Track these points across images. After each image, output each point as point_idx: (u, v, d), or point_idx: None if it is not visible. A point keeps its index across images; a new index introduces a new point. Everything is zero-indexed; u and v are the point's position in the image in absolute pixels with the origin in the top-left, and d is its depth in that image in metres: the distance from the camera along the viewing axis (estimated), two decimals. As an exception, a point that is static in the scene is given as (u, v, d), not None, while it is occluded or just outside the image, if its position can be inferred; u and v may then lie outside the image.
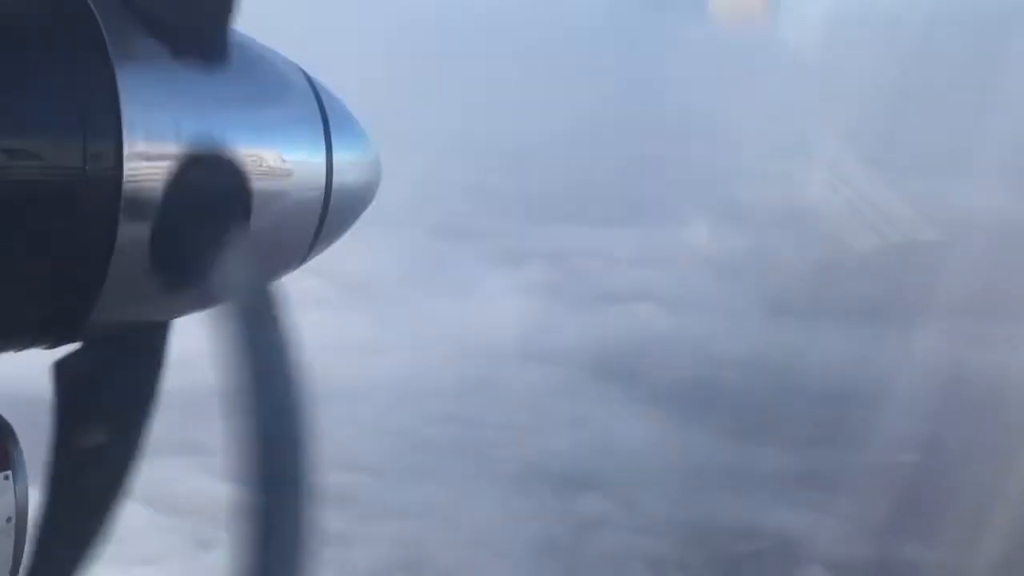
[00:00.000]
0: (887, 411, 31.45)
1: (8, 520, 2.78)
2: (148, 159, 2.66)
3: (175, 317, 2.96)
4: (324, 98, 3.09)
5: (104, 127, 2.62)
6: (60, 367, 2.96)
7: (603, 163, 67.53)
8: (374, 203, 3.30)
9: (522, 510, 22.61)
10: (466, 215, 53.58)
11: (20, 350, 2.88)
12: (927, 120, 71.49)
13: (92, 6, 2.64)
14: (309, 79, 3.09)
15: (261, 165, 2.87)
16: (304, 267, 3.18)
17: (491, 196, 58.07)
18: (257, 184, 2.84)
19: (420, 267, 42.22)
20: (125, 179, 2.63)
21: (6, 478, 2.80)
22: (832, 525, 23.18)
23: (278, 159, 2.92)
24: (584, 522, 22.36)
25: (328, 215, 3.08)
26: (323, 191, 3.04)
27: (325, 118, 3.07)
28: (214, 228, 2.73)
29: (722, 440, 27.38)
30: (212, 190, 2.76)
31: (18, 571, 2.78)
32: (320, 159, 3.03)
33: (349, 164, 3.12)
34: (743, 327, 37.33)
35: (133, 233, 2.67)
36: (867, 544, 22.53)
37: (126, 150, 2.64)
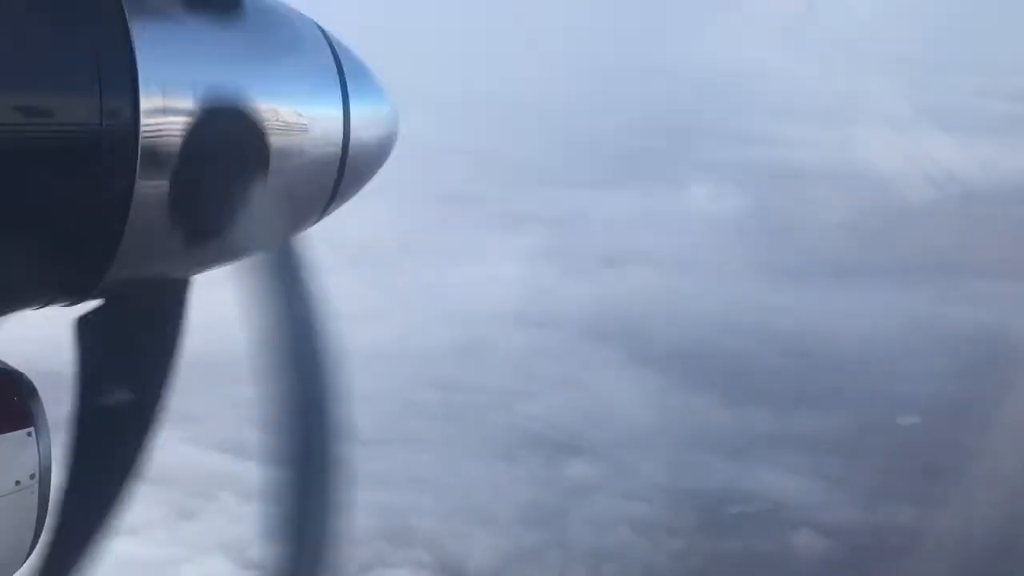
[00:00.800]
0: (886, 373, 31.34)
1: (32, 476, 2.77)
2: (164, 114, 2.64)
3: (193, 273, 2.94)
4: (340, 53, 3.08)
5: (120, 83, 2.60)
6: (82, 324, 2.94)
7: (607, 125, 67.39)
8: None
9: (509, 476, 22.54)
10: (469, 180, 53.46)
11: (40, 307, 2.85)
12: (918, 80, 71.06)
13: None
14: (325, 34, 3.08)
15: (278, 120, 2.85)
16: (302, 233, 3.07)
17: (494, 161, 57.97)
18: (274, 139, 2.84)
19: (421, 233, 42.12)
20: (142, 135, 2.61)
21: (29, 435, 2.78)
22: (823, 488, 23.08)
23: (295, 114, 2.91)
24: (572, 487, 22.28)
25: (346, 169, 3.09)
26: (341, 145, 3.05)
27: (341, 72, 3.06)
28: (231, 183, 2.72)
29: (716, 403, 27.27)
30: (229, 146, 2.75)
31: (43, 526, 2.79)
32: (337, 113, 3.04)
33: (366, 118, 3.13)
34: (742, 289, 37.20)
35: (150, 189, 2.64)
36: (857, 507, 22.43)
37: (143, 106, 2.62)
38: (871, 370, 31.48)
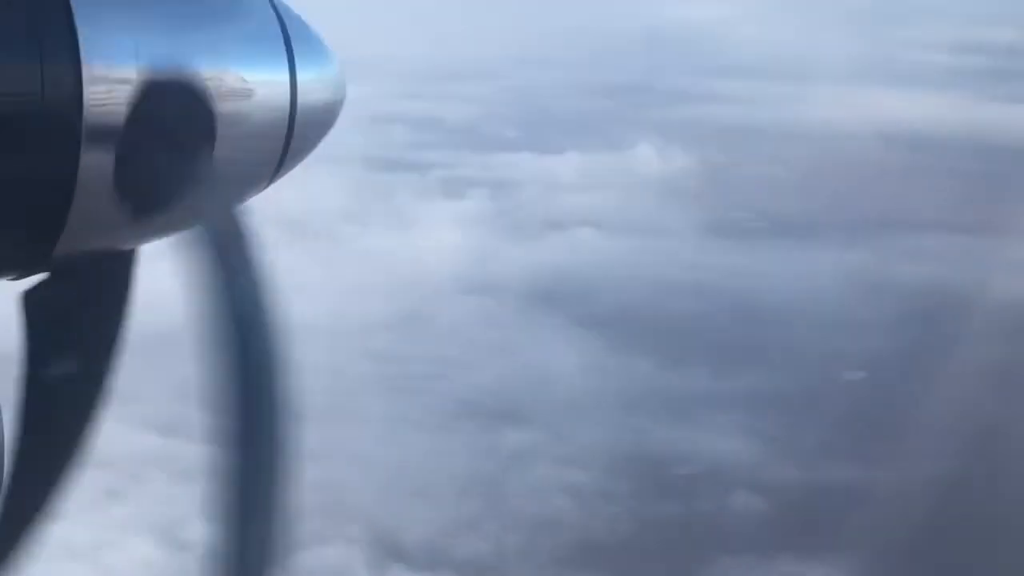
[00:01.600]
0: (831, 329, 31.29)
1: None
2: (108, 83, 2.60)
3: (142, 243, 2.91)
4: (285, 15, 3.03)
5: (61, 51, 2.55)
6: (28, 297, 2.90)
7: (552, 88, 67.06)
8: None
9: (446, 447, 22.31)
10: (411, 147, 53.08)
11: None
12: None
13: None
14: None
15: (223, 86, 2.81)
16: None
17: (437, 127, 57.60)
18: (220, 105, 2.79)
19: (360, 202, 41.69)
20: (86, 103, 2.56)
21: None
22: (762, 448, 22.97)
23: (240, 79, 2.86)
24: (509, 456, 22.08)
25: (294, 135, 3.02)
26: (287, 110, 2.99)
27: (287, 36, 3.00)
28: (178, 151, 2.69)
29: (657, 365, 27.08)
30: (174, 113, 2.72)
31: None
32: (283, 78, 2.98)
33: (313, 82, 3.07)
34: (685, 249, 37.06)
35: (96, 158, 2.60)
36: (796, 466, 22.33)
37: (85, 74, 2.56)
38: (815, 327, 31.42)
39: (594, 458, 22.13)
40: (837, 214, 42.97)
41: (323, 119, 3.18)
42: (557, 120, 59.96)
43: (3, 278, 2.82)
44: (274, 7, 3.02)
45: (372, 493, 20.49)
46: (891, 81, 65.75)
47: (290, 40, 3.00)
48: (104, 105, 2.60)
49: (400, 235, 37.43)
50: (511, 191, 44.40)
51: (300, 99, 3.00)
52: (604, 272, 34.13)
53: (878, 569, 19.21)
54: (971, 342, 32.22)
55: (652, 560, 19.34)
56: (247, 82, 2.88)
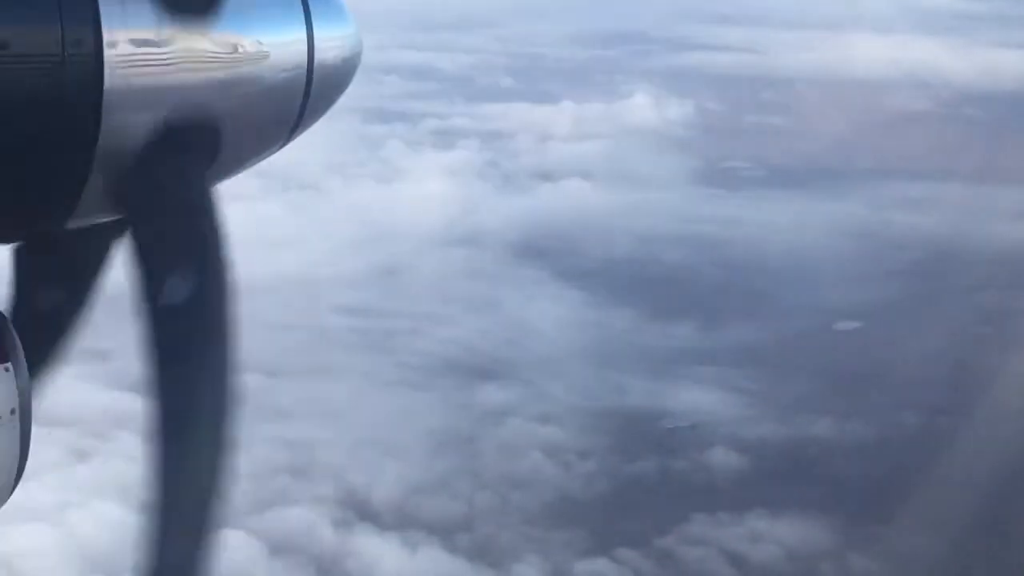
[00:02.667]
0: (820, 281, 30.82)
1: (12, 412, 2.80)
2: (128, 44, 2.65)
3: (160, 203, 2.88)
4: None
5: (82, 12, 2.60)
6: (19, 250, 3.04)
7: (549, 37, 66.35)
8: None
9: (421, 404, 21.92)
10: (402, 97, 52.45)
11: (12, 242, 2.93)
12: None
13: None
14: None
15: (241, 45, 2.87)
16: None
17: (430, 76, 57.00)
18: (239, 65, 2.86)
19: (349, 153, 41.14)
20: (106, 64, 2.62)
21: (7, 370, 2.79)
22: (744, 403, 22.55)
23: (255, 42, 2.91)
24: (485, 413, 21.67)
25: (311, 92, 3.08)
26: (305, 69, 3.05)
27: None
28: (198, 109, 2.75)
29: (640, 319, 26.63)
30: (194, 72, 2.77)
31: (26, 460, 2.82)
32: (301, 36, 3.04)
33: (330, 40, 3.13)
34: (677, 200, 36.51)
35: (117, 119, 2.66)
36: (776, 422, 21.91)
37: (105, 36, 2.61)
38: (807, 278, 30.95)
39: (571, 415, 21.75)
40: (835, 163, 42.40)
41: (340, 77, 3.22)
42: (553, 70, 59.36)
43: (26, 232, 2.89)
44: None
45: (343, 452, 20.14)
46: (895, 27, 64.92)
47: (307, 0, 3.05)
48: (124, 66, 2.63)
49: (386, 187, 36.97)
50: (503, 142, 43.88)
51: (317, 57, 3.04)
52: (592, 224, 33.67)
53: (854, 526, 18.85)
54: (965, 292, 31.83)
55: (625, 519, 18.98)
56: (264, 44, 2.92)
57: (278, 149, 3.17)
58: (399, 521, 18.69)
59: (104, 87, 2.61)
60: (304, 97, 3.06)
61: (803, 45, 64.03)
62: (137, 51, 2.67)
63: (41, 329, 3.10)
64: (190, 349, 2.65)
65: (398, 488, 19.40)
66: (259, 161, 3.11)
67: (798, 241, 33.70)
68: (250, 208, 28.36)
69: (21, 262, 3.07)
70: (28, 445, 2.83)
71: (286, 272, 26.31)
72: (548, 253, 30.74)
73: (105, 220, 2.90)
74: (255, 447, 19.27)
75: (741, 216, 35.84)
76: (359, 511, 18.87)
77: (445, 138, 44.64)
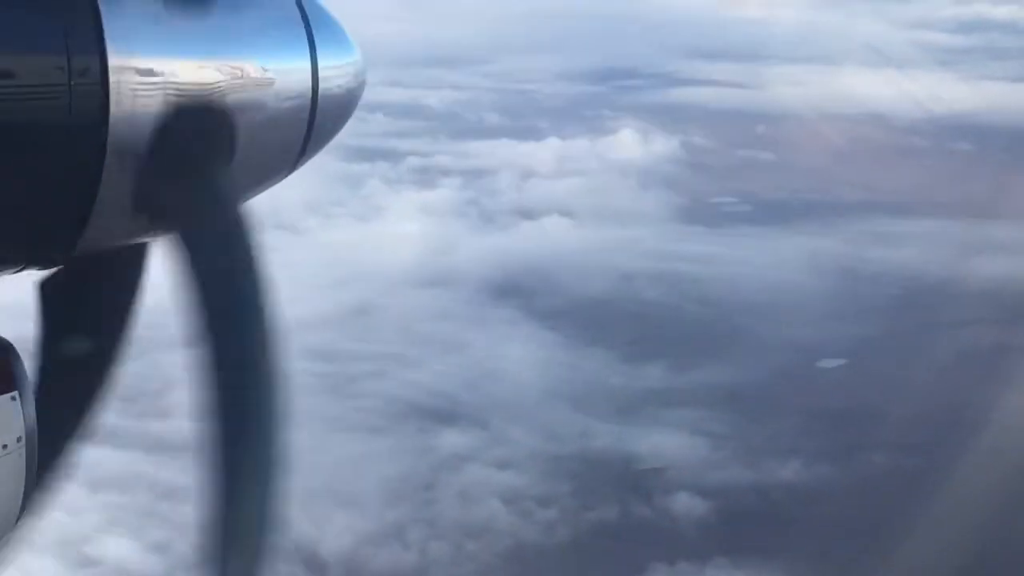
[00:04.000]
0: (799, 319, 30.29)
1: (19, 440, 2.81)
2: (133, 72, 2.65)
3: (164, 233, 2.88)
4: (306, 4, 3.07)
5: (87, 41, 2.59)
6: (44, 286, 2.99)
7: (538, 73, 66.12)
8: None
9: (378, 450, 21.33)
10: (388, 135, 52.09)
11: (16, 271, 2.88)
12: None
13: None
14: None
15: (245, 75, 2.87)
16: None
17: (417, 114, 56.70)
18: (243, 94, 2.85)
19: (328, 192, 40.70)
20: (112, 93, 2.61)
21: (13, 399, 2.81)
22: (711, 447, 21.94)
23: (260, 69, 2.92)
24: (443, 459, 21.09)
25: (316, 121, 3.09)
26: (309, 98, 3.05)
27: (307, 24, 3.06)
28: (203, 140, 2.74)
29: (613, 360, 26.04)
30: (198, 102, 2.75)
31: (33, 487, 2.81)
32: (305, 65, 3.04)
33: (334, 69, 3.13)
34: (657, 238, 36.05)
35: (122, 148, 2.64)
36: (743, 467, 21.30)
37: (111, 64, 2.61)
38: (787, 316, 30.42)
39: (532, 460, 21.17)
40: (821, 198, 41.98)
41: (344, 106, 3.23)
42: (541, 106, 59.00)
43: (33, 268, 2.87)
44: None
45: (295, 500, 19.53)
46: (886, 61, 64.63)
47: (311, 28, 3.04)
48: (130, 95, 2.61)
49: (364, 226, 36.53)
50: (485, 179, 43.48)
51: (321, 87, 3.04)
52: (570, 262, 33.16)
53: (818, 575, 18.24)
54: (947, 328, 31.30)
55: (583, 568, 18.39)
56: (268, 71, 2.92)
57: (283, 178, 3.17)
58: (348, 573, 18.12)
59: (110, 116, 2.59)
60: (309, 125, 3.06)
61: (794, 79, 63.77)
62: (142, 79, 2.65)
63: (72, 382, 3.09)
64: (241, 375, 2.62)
65: (348, 538, 18.82)
66: (264, 189, 3.09)
67: (779, 278, 33.20)
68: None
69: (48, 302, 3.02)
70: (34, 474, 2.84)
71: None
72: (522, 292, 30.24)
73: (121, 247, 2.90)
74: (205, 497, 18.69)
75: (722, 253, 35.36)
76: (307, 563, 18.29)
77: (427, 176, 44.30)
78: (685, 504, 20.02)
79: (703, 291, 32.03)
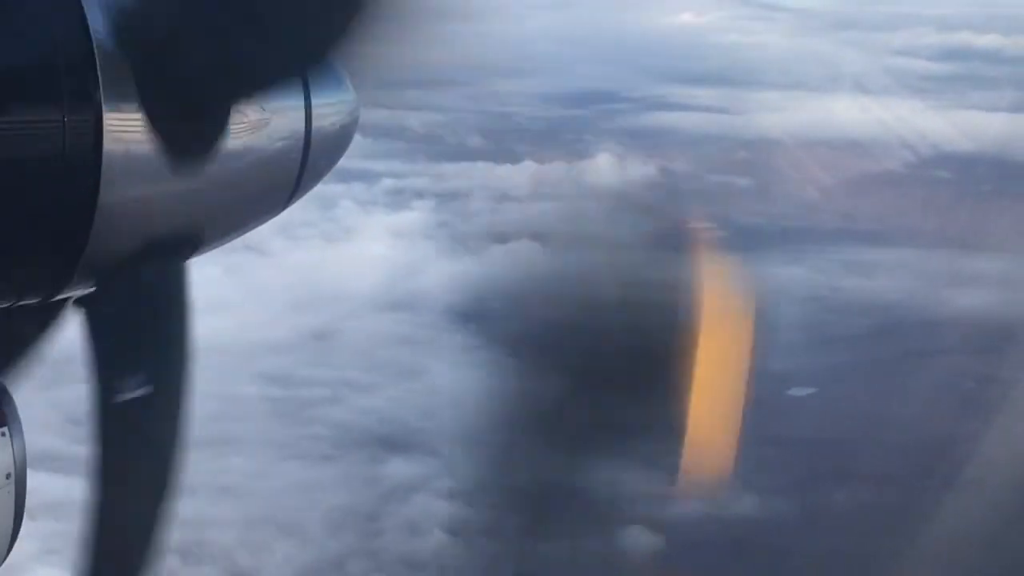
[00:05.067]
0: (768, 349, 29.97)
1: (7, 476, 2.80)
2: (127, 108, 2.68)
3: (159, 267, 2.95)
4: None
5: (81, 79, 2.62)
6: (91, 318, 2.94)
7: (521, 97, 65.98)
8: None
9: (324, 479, 20.97)
10: (365, 156, 51.74)
11: (11, 304, 2.87)
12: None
13: None
14: None
15: (240, 113, 2.91)
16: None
17: (399, 135, 56.37)
18: (237, 132, 2.90)
19: (298, 214, 40.37)
20: (106, 128, 2.64)
21: (3, 435, 2.83)
22: (668, 479, 21.57)
23: (256, 109, 2.96)
24: (390, 489, 20.71)
25: (309, 160, 3.15)
26: (303, 136, 3.12)
27: None
28: (195, 175, 2.80)
29: (573, 387, 25.68)
30: (191, 138, 2.78)
31: (20, 526, 2.84)
32: (299, 104, 3.09)
33: (327, 107, 3.21)
34: (628, 264, 35.73)
35: (115, 189, 2.68)
36: (696, 501, 20.94)
37: (105, 99, 2.63)
38: (756, 344, 30.08)
39: (482, 490, 20.78)
40: (798, 225, 41.76)
41: (337, 144, 3.30)
42: (523, 129, 58.69)
43: (27, 300, 2.85)
44: None
45: (234, 531, 19.17)
46: (868, 88, 64.50)
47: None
48: (124, 132, 2.66)
49: (331, 249, 36.16)
50: (459, 202, 43.22)
51: (315, 124, 3.11)
52: (538, 288, 32.77)
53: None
54: (920, 360, 31.03)
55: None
56: (264, 109, 2.96)
57: (276, 215, 3.24)
58: (284, 606, 17.74)
59: (103, 153, 2.62)
60: (302, 164, 3.13)
61: (776, 105, 63.61)
62: (137, 117, 2.68)
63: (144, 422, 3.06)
64: (140, 436, 2.67)
65: (287, 570, 18.44)
66: (256, 227, 3.15)
67: (750, 306, 32.87)
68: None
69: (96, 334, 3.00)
70: (22, 511, 2.87)
71: (210, 337, 25.38)
72: (486, 318, 29.90)
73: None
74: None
75: (688, 279, 34.97)
76: (243, 595, 17.90)
77: (401, 198, 44.05)
78: (637, 537, 19.65)
79: (671, 319, 31.67)
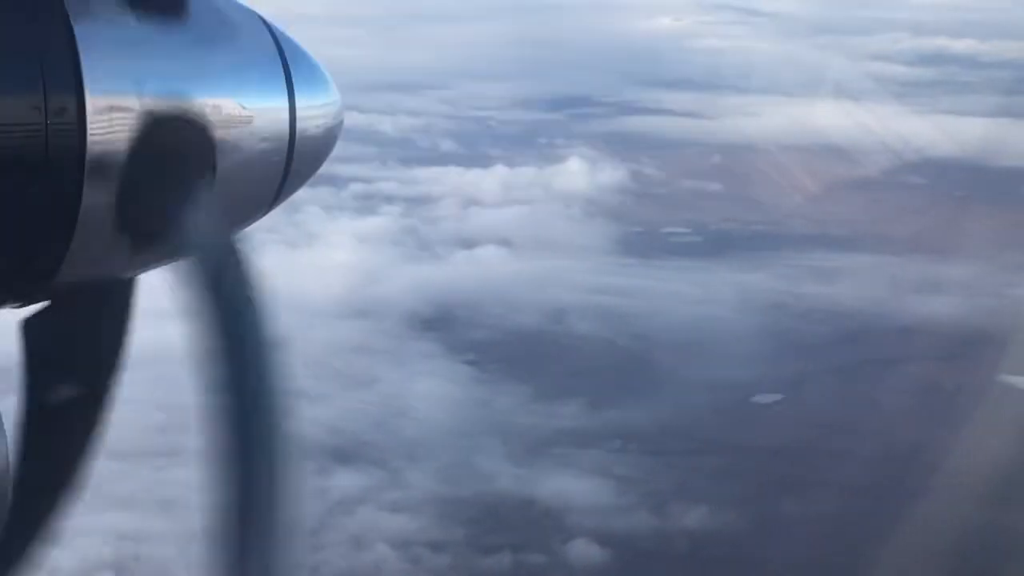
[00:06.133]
0: (725, 356, 29.70)
1: None
2: (110, 112, 2.66)
3: (141, 271, 2.97)
4: (283, 43, 3.10)
5: (65, 82, 2.61)
6: (28, 325, 2.96)
7: (496, 101, 65.69)
8: None
9: (268, 491, 20.56)
10: (335, 161, 51.28)
11: None
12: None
13: None
14: (268, 26, 3.11)
15: (223, 115, 2.88)
16: None
17: (372, 139, 56.08)
18: (220, 135, 2.87)
19: (263, 218, 39.82)
20: (89, 133, 2.62)
21: None
22: (615, 490, 21.25)
23: (239, 108, 2.94)
24: (336, 501, 20.35)
25: (293, 161, 3.11)
26: (287, 138, 3.07)
27: (285, 63, 3.09)
28: (179, 181, 2.75)
29: (528, 397, 25.32)
30: (175, 143, 2.76)
31: (1, 524, 2.78)
32: (282, 105, 3.06)
33: (311, 109, 3.15)
34: (593, 270, 35.45)
35: (99, 188, 2.66)
36: (648, 511, 20.62)
37: (88, 104, 2.62)
38: (716, 353, 29.82)
39: (428, 503, 20.45)
40: (767, 231, 41.52)
41: (322, 145, 3.24)
42: (496, 133, 58.41)
43: (7, 306, 2.84)
44: (273, 35, 3.05)
45: (173, 545, 18.80)
46: (844, 93, 64.38)
47: (289, 67, 3.05)
48: (107, 134, 2.63)
49: (293, 254, 35.78)
50: (427, 207, 42.88)
51: (299, 126, 3.05)
52: (500, 294, 32.50)
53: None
54: (886, 367, 30.81)
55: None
56: (246, 110, 2.93)
57: (259, 218, 3.17)
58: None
59: (87, 155, 2.59)
60: (286, 166, 3.06)
61: (751, 110, 63.43)
62: (120, 118, 2.65)
63: (60, 428, 3.03)
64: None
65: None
66: (238, 231, 3.04)
67: (713, 312, 32.64)
68: (142, 277, 27.17)
69: (32, 342, 2.97)
70: (4, 511, 2.81)
71: (164, 346, 25.03)
72: (445, 325, 29.56)
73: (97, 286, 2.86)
74: (80, 539, 18.03)
75: (657, 287, 34.77)
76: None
77: (369, 203, 43.70)
78: (582, 551, 19.33)
79: (633, 326, 31.43)
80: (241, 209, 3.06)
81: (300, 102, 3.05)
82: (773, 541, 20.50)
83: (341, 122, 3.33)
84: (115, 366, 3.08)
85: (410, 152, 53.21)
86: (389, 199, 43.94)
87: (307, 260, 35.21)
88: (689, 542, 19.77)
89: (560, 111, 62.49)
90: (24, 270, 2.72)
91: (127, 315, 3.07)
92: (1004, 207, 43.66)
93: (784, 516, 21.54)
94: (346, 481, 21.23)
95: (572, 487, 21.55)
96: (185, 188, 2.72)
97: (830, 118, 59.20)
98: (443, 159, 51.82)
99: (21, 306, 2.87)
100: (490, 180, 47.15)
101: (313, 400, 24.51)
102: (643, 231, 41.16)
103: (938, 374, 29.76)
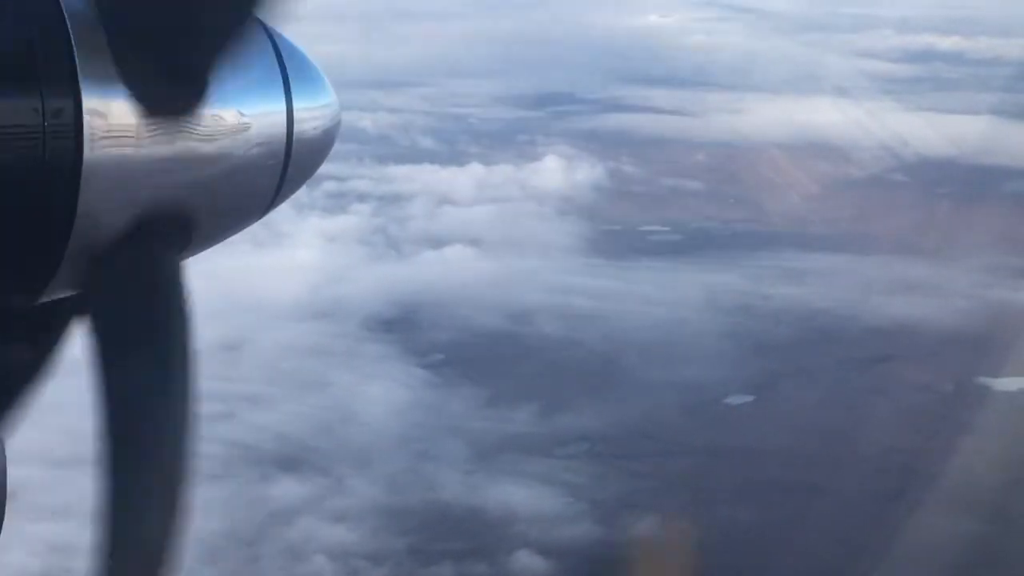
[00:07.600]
0: (690, 358, 29.22)
1: None
2: (107, 114, 2.66)
3: (138, 275, 2.90)
4: (281, 46, 3.09)
5: (62, 84, 2.62)
6: (87, 311, 2.86)
7: (478, 99, 65.22)
8: None
9: (206, 500, 20.05)
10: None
11: None
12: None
13: None
14: (265, 28, 3.09)
15: (221, 118, 2.88)
16: None
17: (349, 136, 55.52)
18: (218, 137, 2.88)
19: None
20: (86, 136, 2.63)
21: None
22: (563, 499, 20.70)
23: (237, 112, 2.94)
24: (275, 510, 19.82)
25: (290, 165, 3.09)
26: (284, 141, 3.06)
27: (283, 67, 3.09)
28: (176, 182, 2.77)
29: (482, 402, 24.76)
30: (172, 145, 2.77)
31: (0, 531, 2.79)
32: (280, 108, 3.05)
33: (309, 112, 3.15)
34: (561, 270, 34.93)
35: (96, 190, 2.66)
36: (594, 522, 20.09)
37: (85, 107, 2.62)
38: (678, 353, 29.32)
39: (370, 513, 19.91)
40: (744, 229, 41.07)
41: (319, 148, 3.24)
42: (476, 131, 57.88)
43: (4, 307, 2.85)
44: (271, 38, 3.05)
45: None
46: (829, 91, 63.93)
47: (286, 71, 3.06)
48: (104, 138, 2.64)
49: (259, 254, 35.24)
50: (399, 206, 42.35)
51: (296, 130, 3.06)
52: (465, 295, 31.96)
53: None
54: (857, 367, 30.38)
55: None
56: (244, 115, 2.95)
57: (256, 221, 3.18)
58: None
59: (83, 158, 2.58)
60: (283, 170, 3.04)
61: (735, 107, 62.97)
62: (117, 122, 2.64)
63: None
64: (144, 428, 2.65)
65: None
66: (235, 233, 3.11)
67: (680, 313, 32.13)
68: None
69: None
70: (2, 518, 2.81)
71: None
72: (404, 327, 29.02)
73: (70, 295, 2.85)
74: (12, 551, 17.51)
75: (625, 288, 34.26)
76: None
77: (341, 201, 43.18)
78: (524, 563, 18.81)
79: (599, 328, 30.92)
80: (237, 213, 3.06)
81: (298, 105, 3.05)
82: (733, 547, 20.05)
83: (339, 124, 3.32)
84: (186, 346, 3.04)
85: (387, 150, 52.71)
86: (361, 197, 43.45)
87: (273, 260, 34.68)
88: (636, 551, 19.30)
89: (542, 108, 61.99)
90: (22, 270, 2.71)
91: (181, 298, 3.02)
92: (987, 205, 43.24)
93: (743, 521, 21.09)
94: (288, 490, 20.69)
95: (518, 495, 21.03)
96: (184, 187, 2.74)
97: (816, 115, 58.74)
98: (420, 157, 51.33)
99: (20, 306, 2.85)
100: (465, 178, 46.66)
101: (262, 405, 24.01)
102: (619, 230, 40.66)
103: (912, 376, 29.35)
